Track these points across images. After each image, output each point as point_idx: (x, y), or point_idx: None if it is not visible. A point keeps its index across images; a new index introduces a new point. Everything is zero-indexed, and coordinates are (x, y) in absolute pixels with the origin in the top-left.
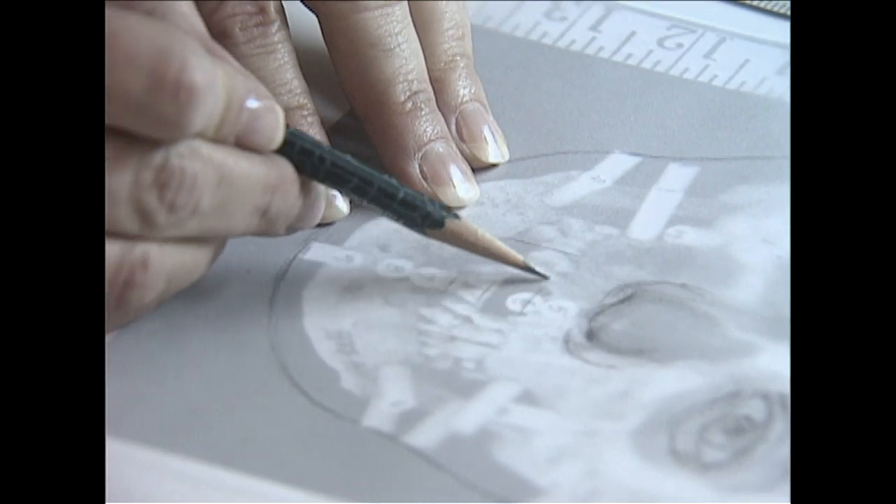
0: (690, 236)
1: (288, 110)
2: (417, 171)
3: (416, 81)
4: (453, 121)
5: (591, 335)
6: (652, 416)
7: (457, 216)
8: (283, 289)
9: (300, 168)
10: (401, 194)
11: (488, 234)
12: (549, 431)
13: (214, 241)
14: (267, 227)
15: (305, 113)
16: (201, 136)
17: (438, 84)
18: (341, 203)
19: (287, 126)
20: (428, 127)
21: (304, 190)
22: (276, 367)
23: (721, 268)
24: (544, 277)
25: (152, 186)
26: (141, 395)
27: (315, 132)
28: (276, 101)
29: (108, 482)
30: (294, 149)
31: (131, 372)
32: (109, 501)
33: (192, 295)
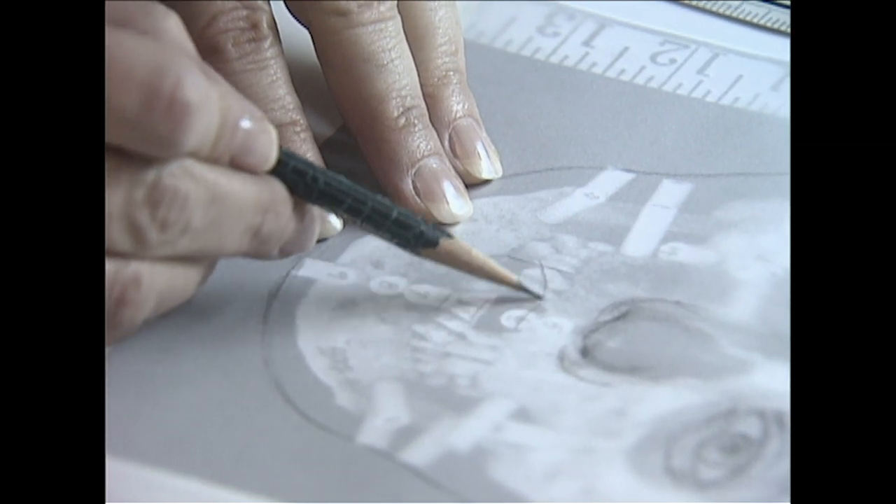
0: (685, 253)
1: (280, 126)
2: (411, 187)
3: (409, 97)
4: (447, 136)
5: (585, 352)
6: (647, 433)
7: (450, 235)
8: (276, 306)
9: (293, 188)
10: (394, 214)
11: (482, 253)
12: (545, 448)
13: (205, 260)
14: (259, 247)
15: (298, 129)
16: (195, 155)
17: (432, 100)
18: (334, 219)
19: (280, 146)
20: (421, 143)
21: (299, 212)
22: (270, 385)
23: (715, 285)
24: (538, 297)
25: (144, 204)
26: (135, 414)
27: (308, 148)
28: (269, 122)
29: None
30: (287, 169)
31: (125, 390)
32: None
33: (186, 312)
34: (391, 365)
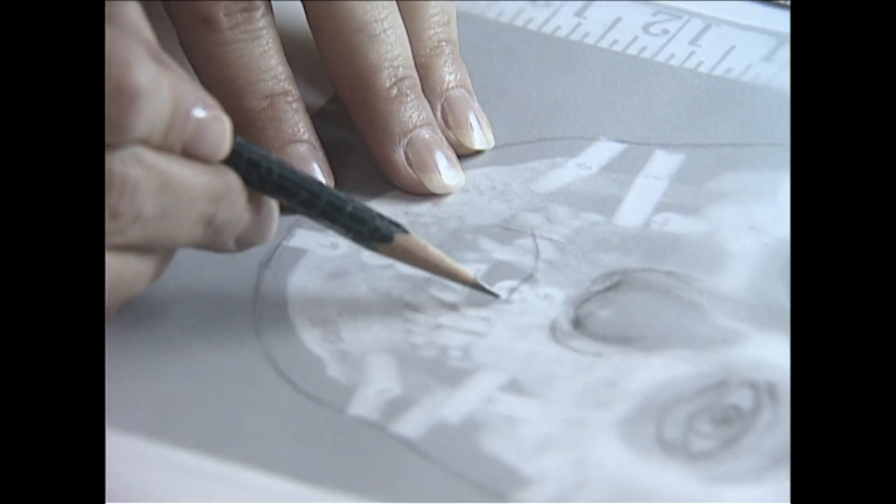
0: (677, 224)
1: (272, 96)
2: (403, 157)
3: (401, 67)
4: (439, 107)
5: (577, 323)
6: (639, 404)
7: (406, 231)
8: (267, 276)
9: (247, 179)
10: (349, 208)
11: (438, 251)
12: (536, 420)
13: (158, 253)
14: (213, 238)
15: (290, 99)
16: (146, 143)
17: (424, 70)
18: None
19: (235, 137)
20: (413, 113)
21: (255, 204)
22: (261, 356)
23: (708, 255)
24: (495, 296)
25: None
26: (126, 384)
27: (299, 118)
28: (223, 111)
29: None
30: (241, 159)
31: (116, 362)
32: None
33: (176, 283)
34: (383, 336)
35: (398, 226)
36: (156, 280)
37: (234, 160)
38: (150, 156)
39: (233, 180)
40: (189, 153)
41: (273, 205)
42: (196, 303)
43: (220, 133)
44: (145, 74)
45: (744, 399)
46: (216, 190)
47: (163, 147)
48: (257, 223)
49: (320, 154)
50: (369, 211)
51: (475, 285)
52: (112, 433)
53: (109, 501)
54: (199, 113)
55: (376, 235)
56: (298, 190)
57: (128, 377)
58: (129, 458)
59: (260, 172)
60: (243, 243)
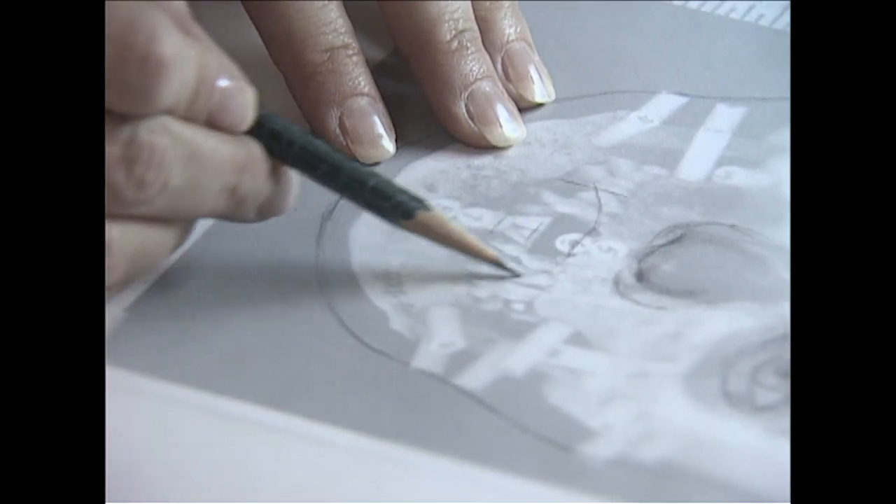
0: (739, 177)
1: (332, 49)
2: (464, 110)
3: (461, 20)
4: (499, 60)
5: (641, 276)
6: (704, 357)
7: (428, 207)
8: (329, 229)
9: (270, 150)
10: (371, 182)
11: (460, 227)
12: (601, 373)
13: (180, 223)
14: (236, 208)
15: (350, 52)
16: (172, 113)
17: (484, 23)
18: (387, 143)
19: (259, 107)
20: (474, 66)
21: (276, 174)
22: (324, 308)
23: (770, 208)
24: (516, 275)
25: (120, 161)
26: (190, 337)
27: (359, 71)
28: (248, 82)
29: (155, 424)
30: (263, 130)
31: (179, 313)
32: (155, 442)
33: (239, 236)
34: (446, 289)
35: (421, 201)
36: (176, 250)
37: (258, 131)
38: (176, 126)
39: (256, 151)
40: (213, 123)
41: (293, 176)
42: (259, 256)
43: (244, 103)
44: (172, 45)
45: None
46: (240, 160)
47: (188, 117)
48: (277, 194)
49: (381, 107)
50: (392, 186)
51: (497, 262)
52: (173, 384)
53: (171, 453)
54: (224, 83)
55: (398, 211)
56: (319, 163)
57: (191, 330)
58: (189, 409)
59: (282, 144)
60: (263, 213)
